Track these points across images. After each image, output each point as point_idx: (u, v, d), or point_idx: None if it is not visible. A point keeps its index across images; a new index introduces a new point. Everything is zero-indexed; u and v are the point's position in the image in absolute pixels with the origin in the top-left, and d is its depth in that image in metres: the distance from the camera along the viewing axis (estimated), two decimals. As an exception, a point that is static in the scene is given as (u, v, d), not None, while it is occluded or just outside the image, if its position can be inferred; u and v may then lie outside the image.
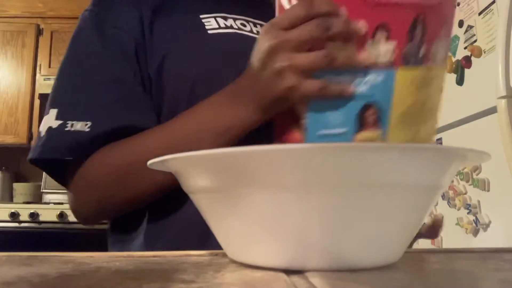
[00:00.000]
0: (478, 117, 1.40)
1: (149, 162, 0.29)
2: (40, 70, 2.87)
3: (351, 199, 0.24)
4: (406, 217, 0.27)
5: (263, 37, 0.43)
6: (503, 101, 1.27)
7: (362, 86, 0.38)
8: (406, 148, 0.25)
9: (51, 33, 2.90)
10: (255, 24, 0.66)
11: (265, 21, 0.53)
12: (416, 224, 0.28)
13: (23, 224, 2.43)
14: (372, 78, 0.38)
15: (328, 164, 0.23)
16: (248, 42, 0.60)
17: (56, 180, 0.61)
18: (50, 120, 0.56)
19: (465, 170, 1.51)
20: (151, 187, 0.53)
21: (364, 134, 0.38)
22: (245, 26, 0.64)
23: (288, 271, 0.26)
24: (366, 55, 0.38)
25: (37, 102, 2.84)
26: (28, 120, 2.81)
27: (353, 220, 0.25)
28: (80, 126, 0.55)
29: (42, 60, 2.88)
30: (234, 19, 0.64)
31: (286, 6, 0.41)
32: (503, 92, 1.27)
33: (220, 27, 0.62)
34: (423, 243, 1.78)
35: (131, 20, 0.62)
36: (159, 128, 0.55)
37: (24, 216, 2.41)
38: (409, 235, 0.28)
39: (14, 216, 2.41)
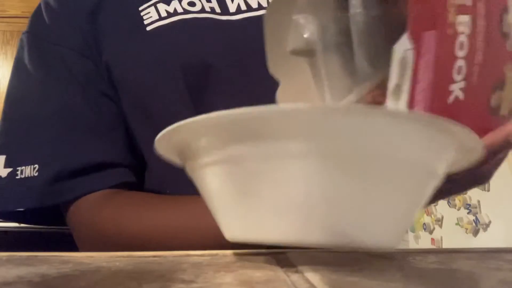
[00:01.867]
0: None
1: (157, 138, 0.28)
2: (40, 70, 2.87)
3: (354, 170, 0.24)
4: (407, 195, 0.27)
5: None
6: (503, 101, 1.26)
7: None
8: (411, 117, 0.25)
9: (51, 33, 2.90)
10: None
11: None
12: (415, 205, 0.28)
13: (23, 224, 2.42)
14: None
15: (330, 128, 0.23)
16: (197, 27, 0.52)
17: (23, 222, 0.55)
18: None
19: (465, 170, 1.51)
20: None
21: None
22: (194, 5, 0.53)
23: (288, 270, 0.26)
24: None
25: (37, 102, 2.84)
26: (28, 120, 2.81)
27: (354, 192, 0.25)
28: (29, 171, 0.49)
29: (42, 60, 2.89)
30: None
31: None
32: (503, 92, 1.26)
33: (160, 18, 0.52)
34: (423, 243, 1.78)
35: (70, 32, 0.53)
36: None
37: (24, 216, 2.41)
38: (408, 217, 0.28)
39: (14, 216, 2.41)
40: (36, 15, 0.56)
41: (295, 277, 0.25)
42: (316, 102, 0.36)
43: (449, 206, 1.64)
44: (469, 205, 1.52)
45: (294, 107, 0.24)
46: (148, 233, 0.46)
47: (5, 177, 0.49)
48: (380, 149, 0.24)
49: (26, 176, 0.49)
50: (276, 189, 0.25)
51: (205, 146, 0.27)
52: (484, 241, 1.45)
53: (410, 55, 0.27)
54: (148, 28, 0.52)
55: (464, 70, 0.29)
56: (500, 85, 0.33)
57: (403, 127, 0.24)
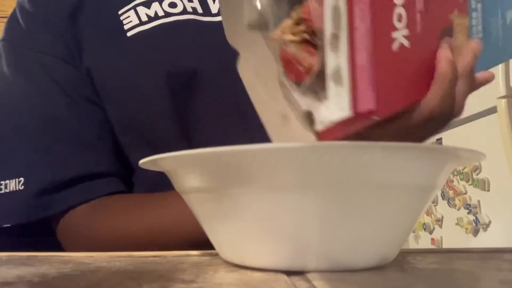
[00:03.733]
0: (478, 117, 1.40)
1: (141, 161, 0.28)
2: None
3: (346, 199, 0.24)
4: (402, 217, 0.27)
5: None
6: (503, 101, 1.27)
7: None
8: (402, 147, 0.25)
9: (51, 33, 2.89)
10: None
11: None
12: (411, 223, 0.28)
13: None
14: None
15: (324, 163, 0.23)
16: (179, 31, 0.50)
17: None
18: None
19: (465, 170, 1.51)
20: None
21: None
22: (175, 6, 0.51)
23: (289, 272, 0.26)
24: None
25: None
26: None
27: (349, 220, 0.25)
28: (14, 184, 0.47)
29: (42, 60, 2.87)
30: (160, 1, 0.51)
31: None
32: (503, 92, 1.27)
33: (141, 23, 0.50)
34: (423, 243, 1.77)
35: (50, 38, 0.51)
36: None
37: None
38: (404, 234, 0.28)
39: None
40: (11, 21, 0.53)
41: (295, 277, 0.25)
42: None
43: (449, 206, 1.63)
44: (469, 205, 1.52)
45: (288, 146, 0.24)
46: (142, 233, 0.46)
47: None
48: (376, 179, 0.24)
49: (11, 190, 0.47)
50: (269, 220, 0.25)
51: (195, 178, 0.27)
52: (484, 241, 1.45)
53: (343, 4, 0.27)
54: (129, 34, 0.50)
55: (405, 17, 0.29)
56: (448, 32, 0.34)
57: (398, 159, 0.24)
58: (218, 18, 0.51)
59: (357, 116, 0.27)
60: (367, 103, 0.27)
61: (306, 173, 0.23)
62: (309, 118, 0.34)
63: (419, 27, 0.31)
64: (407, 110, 0.33)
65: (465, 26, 0.35)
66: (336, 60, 0.27)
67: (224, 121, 0.50)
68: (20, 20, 0.52)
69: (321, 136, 0.33)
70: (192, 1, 0.52)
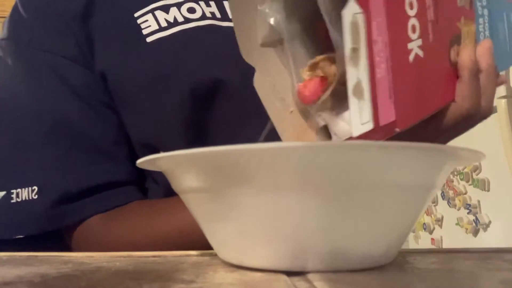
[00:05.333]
0: (478, 117, 1.40)
1: (138, 161, 0.28)
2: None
3: (345, 199, 0.24)
4: (401, 216, 0.27)
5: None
6: (503, 101, 1.27)
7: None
8: (400, 147, 0.25)
9: (51, 33, 2.89)
10: (207, 3, 0.50)
11: None
12: (411, 223, 0.28)
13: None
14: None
15: (321, 163, 0.23)
16: (200, 38, 0.48)
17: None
18: None
19: (465, 170, 1.51)
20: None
21: None
22: (194, 11, 0.49)
23: (289, 272, 0.26)
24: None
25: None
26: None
27: (348, 220, 0.25)
28: (26, 193, 0.44)
29: (42, 60, 2.87)
30: (178, 5, 0.49)
31: None
32: (503, 92, 1.27)
33: (160, 28, 0.48)
34: (423, 243, 1.78)
35: (61, 38, 0.48)
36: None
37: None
38: (404, 234, 0.28)
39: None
40: (14, 18, 0.50)
41: (295, 277, 0.25)
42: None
43: (449, 206, 1.63)
44: (469, 205, 1.52)
45: (285, 145, 0.24)
46: (164, 238, 0.44)
47: None
48: (374, 178, 0.24)
49: (24, 199, 0.44)
50: (267, 220, 0.25)
51: (192, 178, 0.27)
52: (484, 241, 1.45)
53: (361, 19, 0.27)
54: (148, 40, 0.48)
55: (418, 28, 0.30)
56: (456, 40, 0.34)
57: (397, 159, 0.24)
58: None
59: (378, 128, 0.27)
60: (388, 115, 0.27)
61: (304, 173, 0.23)
62: (325, 132, 0.35)
63: (431, 37, 0.31)
64: (438, 114, 0.34)
65: (472, 33, 0.36)
66: (356, 74, 0.28)
67: (244, 130, 0.48)
68: (25, 16, 0.50)
69: None
70: (210, 6, 0.50)
